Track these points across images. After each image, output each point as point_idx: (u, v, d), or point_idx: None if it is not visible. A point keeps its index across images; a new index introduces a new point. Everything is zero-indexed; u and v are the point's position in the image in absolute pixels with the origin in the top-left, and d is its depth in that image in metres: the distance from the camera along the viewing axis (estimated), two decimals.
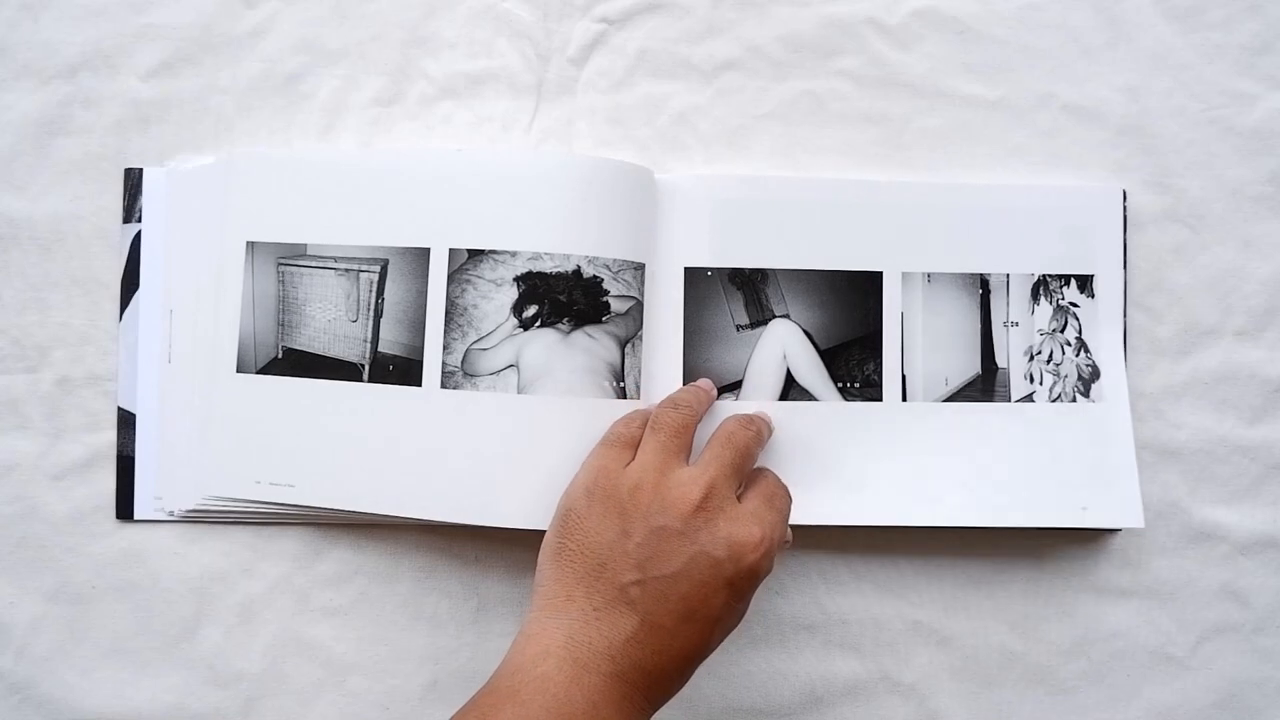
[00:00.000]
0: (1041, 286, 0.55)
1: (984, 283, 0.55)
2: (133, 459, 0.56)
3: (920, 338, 0.55)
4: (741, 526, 0.45)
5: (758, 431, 0.50)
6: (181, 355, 0.56)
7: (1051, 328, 0.55)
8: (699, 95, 0.58)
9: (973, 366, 0.55)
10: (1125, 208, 0.56)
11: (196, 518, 0.56)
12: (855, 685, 0.56)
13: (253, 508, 0.55)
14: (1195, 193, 0.57)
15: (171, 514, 0.56)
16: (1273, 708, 0.56)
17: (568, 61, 0.58)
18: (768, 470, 0.50)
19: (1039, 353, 0.55)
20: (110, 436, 0.56)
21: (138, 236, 0.57)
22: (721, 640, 0.46)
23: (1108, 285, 0.56)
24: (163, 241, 0.56)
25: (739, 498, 0.47)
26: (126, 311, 0.57)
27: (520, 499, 0.52)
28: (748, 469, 0.49)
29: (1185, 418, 0.57)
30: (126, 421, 0.56)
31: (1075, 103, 0.57)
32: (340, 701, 0.56)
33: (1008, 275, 0.55)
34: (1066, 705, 0.56)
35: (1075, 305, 0.55)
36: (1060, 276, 0.55)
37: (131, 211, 0.57)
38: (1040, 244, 0.55)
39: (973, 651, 0.56)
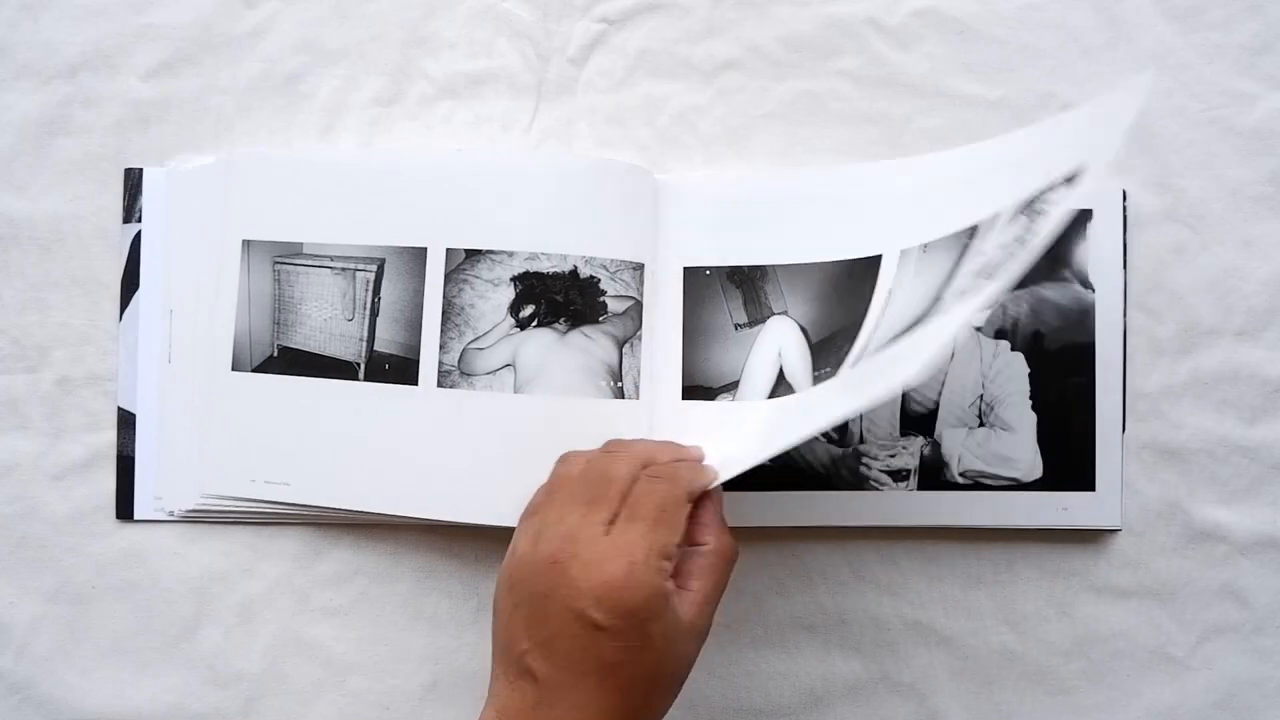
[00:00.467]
0: (1027, 207, 0.48)
1: (973, 231, 0.51)
2: (133, 459, 0.56)
3: (897, 306, 0.52)
4: (598, 569, 0.42)
5: (622, 454, 0.47)
6: (181, 355, 0.56)
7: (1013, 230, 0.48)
8: (699, 95, 0.58)
9: (921, 306, 0.50)
10: (1125, 208, 0.56)
11: (196, 518, 0.56)
12: (855, 685, 0.56)
13: (252, 507, 0.55)
14: (1195, 193, 0.57)
15: (171, 514, 0.56)
16: (1273, 708, 0.56)
17: (568, 61, 0.58)
18: (652, 468, 0.46)
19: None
20: (110, 436, 0.56)
21: (138, 236, 0.57)
22: (652, 685, 0.43)
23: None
24: (163, 241, 0.57)
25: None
26: (126, 311, 0.57)
27: (518, 498, 0.52)
28: (614, 492, 0.45)
29: (1185, 418, 0.57)
30: (126, 421, 0.56)
31: (1075, 103, 0.57)
32: (340, 701, 0.56)
33: (996, 215, 0.49)
34: (1066, 705, 0.56)
35: (1050, 199, 0.46)
36: (1046, 189, 0.47)
37: (131, 211, 0.57)
38: (1037, 169, 0.48)
39: (973, 651, 0.56)
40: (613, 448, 0.48)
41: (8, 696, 0.56)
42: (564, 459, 0.49)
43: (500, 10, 0.58)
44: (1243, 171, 0.57)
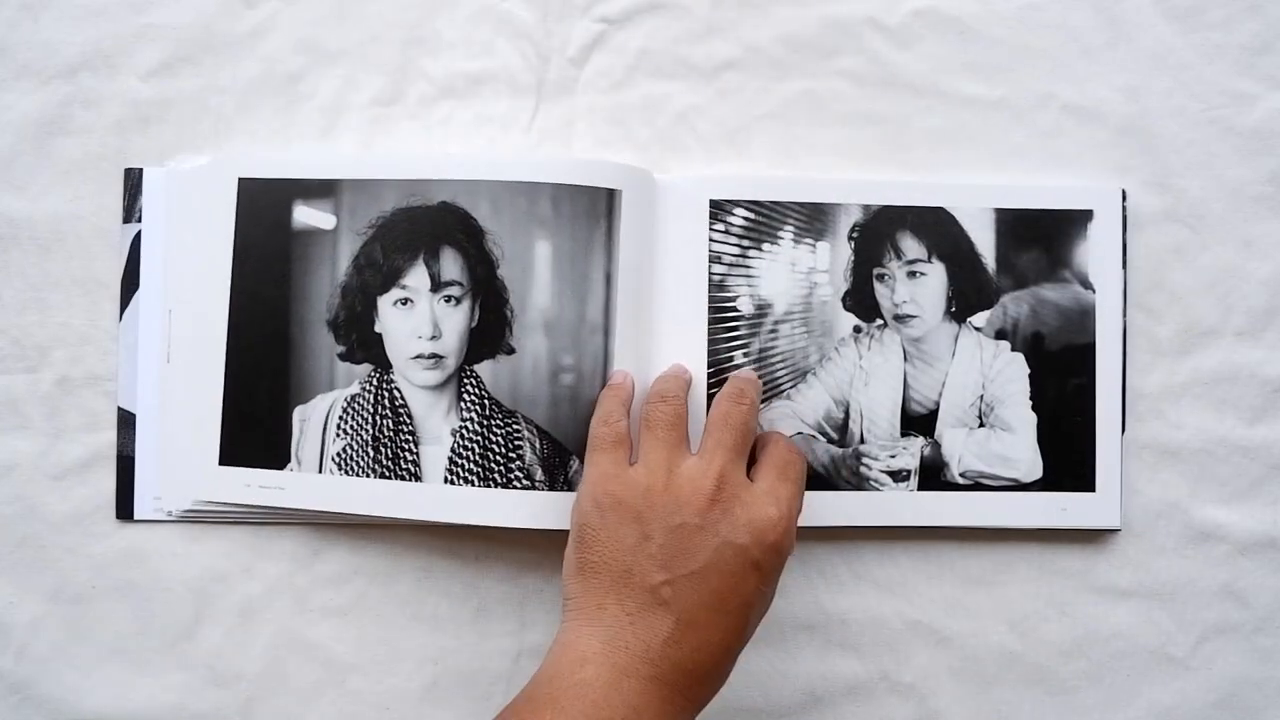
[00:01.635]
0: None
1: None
2: (133, 459, 0.56)
3: None
4: (759, 509, 0.45)
5: (751, 402, 0.49)
6: (181, 355, 0.56)
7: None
8: (699, 95, 0.58)
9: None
10: (1125, 208, 0.56)
11: (196, 518, 0.56)
12: (855, 685, 0.56)
13: (252, 507, 0.55)
14: (1195, 193, 0.57)
15: (171, 514, 0.56)
16: (1273, 708, 0.56)
17: (568, 61, 0.58)
18: (774, 436, 0.50)
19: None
20: (110, 436, 0.56)
21: (138, 236, 0.57)
22: (755, 628, 0.46)
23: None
24: (163, 241, 0.56)
25: (750, 475, 0.47)
26: (126, 311, 0.57)
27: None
28: (749, 443, 0.49)
29: (1185, 418, 0.57)
30: (126, 421, 0.56)
31: (1075, 103, 0.57)
32: (340, 701, 0.56)
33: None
34: (1066, 705, 0.56)
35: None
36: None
37: (131, 211, 0.57)
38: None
39: (973, 651, 0.56)
40: (743, 398, 0.49)
41: (8, 696, 0.56)
42: (660, 396, 0.49)
43: (500, 10, 0.58)
44: (1243, 171, 0.57)
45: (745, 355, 0.55)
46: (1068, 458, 0.55)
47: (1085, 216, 0.56)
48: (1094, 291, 0.56)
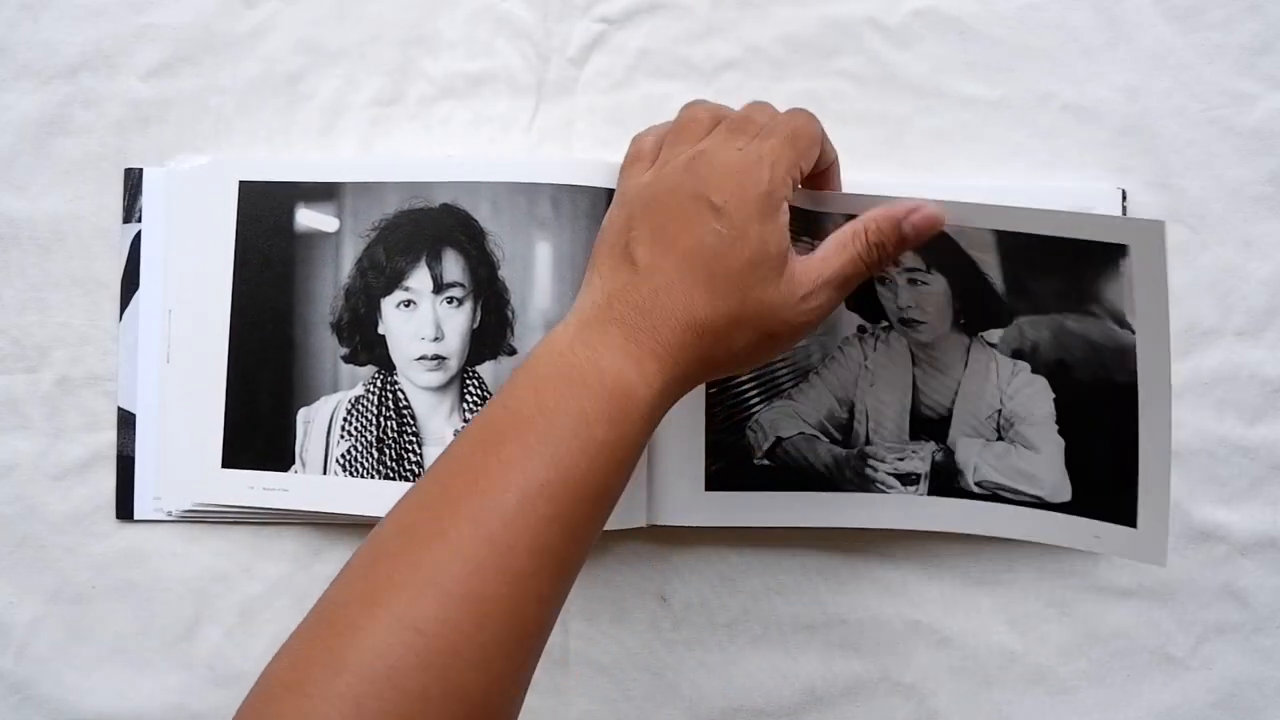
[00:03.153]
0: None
1: None
2: (133, 459, 0.56)
3: None
4: (723, 162, 0.44)
5: (759, 106, 0.48)
6: (181, 355, 0.56)
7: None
8: (699, 95, 0.57)
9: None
10: (1125, 208, 0.56)
11: (196, 518, 0.56)
12: (855, 685, 0.56)
13: (255, 508, 0.55)
14: (1195, 193, 0.57)
15: (171, 514, 0.56)
16: (1273, 708, 0.56)
17: (568, 61, 0.58)
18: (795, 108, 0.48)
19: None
20: (110, 436, 0.56)
21: (138, 236, 0.57)
22: (750, 305, 0.43)
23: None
24: (162, 241, 0.56)
25: None
26: (126, 311, 0.57)
27: None
28: (752, 129, 0.46)
29: (1185, 418, 0.57)
30: (126, 421, 0.56)
31: (1075, 103, 0.57)
32: None
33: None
34: (1066, 705, 0.56)
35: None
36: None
37: (131, 211, 0.57)
38: None
39: (973, 651, 0.56)
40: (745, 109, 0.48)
41: (8, 696, 0.56)
42: (689, 109, 0.48)
43: (500, 10, 0.58)
44: (1243, 171, 0.57)
45: None
46: (1101, 486, 0.50)
47: (1117, 252, 0.46)
48: (1131, 332, 0.47)
